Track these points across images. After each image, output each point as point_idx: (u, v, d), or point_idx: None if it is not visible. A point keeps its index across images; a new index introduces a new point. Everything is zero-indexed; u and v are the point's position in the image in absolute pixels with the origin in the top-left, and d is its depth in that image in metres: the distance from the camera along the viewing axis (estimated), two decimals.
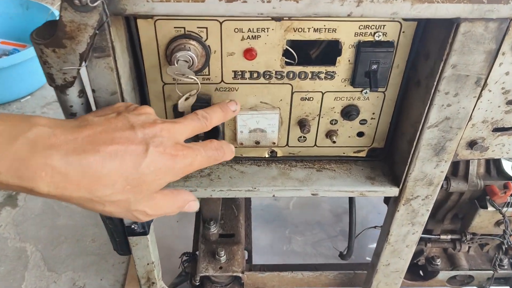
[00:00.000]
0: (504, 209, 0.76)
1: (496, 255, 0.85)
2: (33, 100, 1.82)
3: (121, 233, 0.74)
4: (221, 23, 0.55)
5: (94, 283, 1.15)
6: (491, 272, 0.90)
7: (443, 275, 0.91)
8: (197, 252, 1.03)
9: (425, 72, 0.57)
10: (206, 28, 0.56)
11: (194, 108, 0.61)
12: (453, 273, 0.90)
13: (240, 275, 0.90)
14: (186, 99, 0.58)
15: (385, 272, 0.79)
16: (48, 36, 0.48)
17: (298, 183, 0.67)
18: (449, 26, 0.50)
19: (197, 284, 0.95)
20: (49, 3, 2.41)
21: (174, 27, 0.56)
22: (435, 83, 0.55)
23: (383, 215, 0.74)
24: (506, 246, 0.82)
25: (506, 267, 0.91)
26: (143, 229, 0.71)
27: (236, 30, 0.56)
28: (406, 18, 0.55)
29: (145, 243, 0.73)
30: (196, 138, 0.65)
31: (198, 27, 0.56)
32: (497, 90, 0.56)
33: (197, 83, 0.57)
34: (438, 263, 0.92)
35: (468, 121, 0.58)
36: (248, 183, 0.67)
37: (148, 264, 0.77)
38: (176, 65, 0.55)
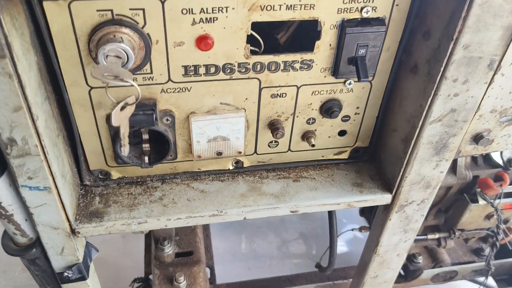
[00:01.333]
0: (496, 201, 0.68)
1: (490, 253, 0.78)
2: None
3: (52, 280, 0.57)
4: (163, 2, 0.41)
5: None
6: (476, 264, 0.83)
7: (427, 273, 0.83)
8: (150, 277, 0.88)
9: (425, 55, 0.46)
10: (143, 9, 0.41)
11: (135, 120, 0.46)
12: (437, 270, 0.83)
13: None
14: (122, 108, 0.43)
15: (372, 284, 0.70)
16: None
17: (273, 199, 0.55)
18: None
19: None
20: None
21: (97, 10, 0.40)
22: (442, 69, 0.44)
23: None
24: (495, 238, 0.75)
25: (487, 256, 0.85)
26: (80, 273, 0.55)
27: (185, 11, 0.42)
28: None
29: None
30: (140, 151, 0.51)
31: (131, 9, 0.41)
32: (510, 73, 0.46)
33: (135, 88, 0.42)
34: (420, 261, 0.84)
35: (476, 112, 0.48)
36: (212, 206, 0.54)
37: None
38: (104, 63, 0.40)
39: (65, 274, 0.54)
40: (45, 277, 0.57)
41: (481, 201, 0.69)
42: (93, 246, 0.58)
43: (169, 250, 0.83)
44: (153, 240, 0.86)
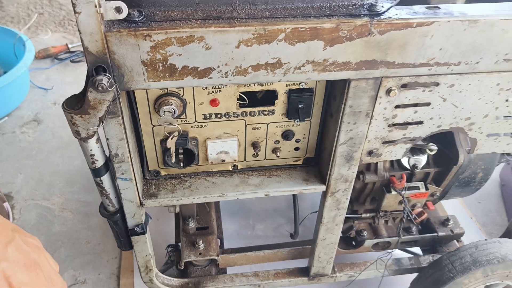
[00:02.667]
0: (403, 192, 1.06)
1: (399, 225, 1.16)
2: (10, 120, 1.98)
3: (125, 234, 0.97)
4: (193, 87, 0.80)
5: (93, 277, 1.38)
6: (403, 237, 1.21)
7: (368, 243, 1.21)
8: (179, 243, 1.28)
9: (334, 108, 0.84)
10: (183, 88, 0.80)
11: (177, 143, 0.85)
12: (375, 240, 1.20)
13: (216, 257, 1.16)
14: (172, 137, 0.82)
15: (323, 244, 1.08)
16: (77, 107, 0.71)
17: (254, 187, 0.94)
18: (345, 82, 0.77)
19: (182, 268, 1.20)
20: (15, 27, 2.52)
21: (160, 89, 0.80)
22: (341, 116, 0.82)
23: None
24: (407, 218, 1.12)
25: (414, 233, 1.23)
26: (142, 230, 0.95)
27: (204, 88, 0.81)
28: None
29: (143, 240, 0.98)
30: (178, 159, 0.90)
31: (177, 88, 0.80)
32: (380, 119, 0.84)
33: (178, 128, 0.81)
34: (365, 235, 1.21)
35: (365, 139, 0.86)
36: (219, 191, 0.93)
37: (146, 255, 1.02)
38: (163, 115, 0.80)
39: (135, 229, 0.94)
40: (121, 233, 0.97)
41: (393, 192, 1.06)
42: (149, 215, 0.98)
43: (192, 224, 1.22)
44: (181, 218, 1.26)
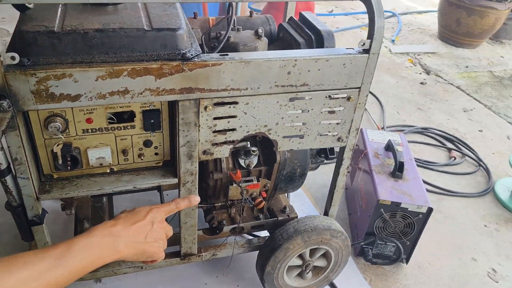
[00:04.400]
0: (241, 184, 1.47)
1: (241, 212, 1.56)
2: None
3: (26, 225, 1.28)
4: (72, 108, 1.16)
5: None
6: (252, 223, 1.61)
7: (227, 228, 1.59)
8: None
9: (175, 121, 1.24)
10: (65, 110, 1.16)
11: (64, 150, 1.20)
12: (231, 226, 1.59)
13: None
14: (58, 145, 1.17)
15: (185, 227, 1.44)
16: None
17: (126, 182, 1.30)
18: (176, 102, 1.18)
19: None
20: None
21: (47, 110, 1.15)
22: (178, 126, 1.22)
23: None
24: (250, 205, 1.53)
25: (261, 219, 1.63)
26: (40, 220, 1.26)
27: (81, 110, 1.18)
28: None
29: (41, 230, 1.28)
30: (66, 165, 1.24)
31: (61, 110, 1.16)
32: (205, 127, 1.25)
33: (62, 138, 1.17)
34: (225, 223, 1.60)
35: (199, 142, 1.27)
36: (98, 186, 1.27)
37: (45, 243, 1.32)
38: (51, 130, 1.15)
39: (34, 219, 1.24)
40: (23, 224, 1.27)
41: (234, 184, 1.47)
42: (46, 210, 1.30)
43: (87, 225, 1.54)
44: (78, 221, 1.56)
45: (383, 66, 4.11)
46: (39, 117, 1.15)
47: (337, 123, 1.37)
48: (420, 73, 4.11)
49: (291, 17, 1.64)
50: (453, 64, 4.39)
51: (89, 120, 1.20)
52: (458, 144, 3.00)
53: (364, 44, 1.23)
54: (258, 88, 1.21)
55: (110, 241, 0.93)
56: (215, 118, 1.24)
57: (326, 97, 1.29)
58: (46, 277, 0.82)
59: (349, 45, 1.33)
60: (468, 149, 2.96)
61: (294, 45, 1.49)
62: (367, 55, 1.24)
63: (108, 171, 1.32)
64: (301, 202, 2.19)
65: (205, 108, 1.21)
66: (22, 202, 1.22)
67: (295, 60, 1.19)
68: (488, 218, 2.38)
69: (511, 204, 2.46)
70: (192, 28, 1.41)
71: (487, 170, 2.75)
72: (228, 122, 1.26)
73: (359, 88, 1.30)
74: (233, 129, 1.28)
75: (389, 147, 2.00)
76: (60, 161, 1.20)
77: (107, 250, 0.93)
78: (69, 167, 1.24)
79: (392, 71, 4.07)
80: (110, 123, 1.23)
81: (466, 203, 2.47)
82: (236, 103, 1.23)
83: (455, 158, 2.82)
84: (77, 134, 1.22)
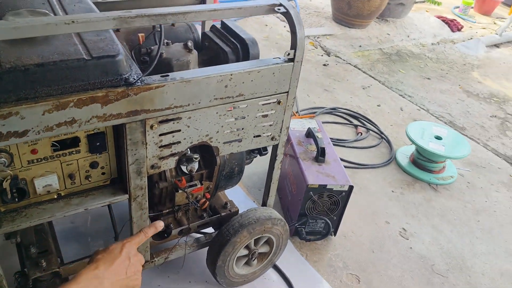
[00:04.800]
0: (187, 189, 1.56)
1: (188, 214, 1.66)
2: None
3: None
4: (17, 144, 1.16)
5: None
6: (197, 223, 1.71)
7: (175, 231, 1.68)
8: (25, 269, 1.55)
9: (121, 142, 1.29)
10: (9, 146, 1.15)
11: (11, 184, 1.19)
12: (179, 229, 1.68)
13: (58, 269, 1.49)
14: (6, 180, 1.16)
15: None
16: None
17: (76, 206, 1.32)
18: (122, 124, 1.23)
19: (31, 286, 1.49)
20: None
21: None
22: (125, 146, 1.27)
23: None
24: (195, 207, 1.63)
25: (206, 217, 1.74)
26: None
27: (25, 143, 1.17)
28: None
29: None
30: None
31: (5, 146, 1.15)
32: (152, 144, 1.31)
33: (10, 173, 1.16)
34: (172, 227, 1.68)
35: (146, 158, 1.33)
36: (49, 213, 1.28)
37: None
38: None
39: None
40: None
41: (180, 191, 1.56)
42: None
43: (34, 250, 1.52)
44: (23, 248, 1.54)
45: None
46: None
47: (270, 125, 1.51)
48: (322, 55, 4.43)
49: (213, 25, 1.73)
50: (348, 44, 4.79)
51: (34, 151, 1.20)
52: (362, 120, 3.35)
53: (289, 54, 1.38)
54: (199, 103, 1.30)
55: (96, 284, 1.00)
56: (160, 135, 1.31)
57: (259, 103, 1.43)
58: None
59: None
60: (371, 124, 3.32)
61: (221, 53, 1.59)
62: (292, 63, 1.39)
63: (56, 196, 1.33)
64: (235, 193, 2.33)
65: (151, 127, 1.27)
66: None
67: (231, 75, 1.30)
68: (394, 184, 2.75)
69: (410, 169, 2.85)
70: None
71: (388, 142, 3.13)
72: (173, 136, 1.34)
73: (287, 92, 1.45)
74: (178, 142, 1.37)
75: (309, 134, 2.21)
76: (9, 196, 1.19)
77: None
78: (16, 199, 1.24)
79: None
80: (54, 150, 1.24)
81: (375, 173, 2.81)
82: (180, 118, 1.31)
83: (361, 134, 3.16)
84: (22, 166, 1.21)
